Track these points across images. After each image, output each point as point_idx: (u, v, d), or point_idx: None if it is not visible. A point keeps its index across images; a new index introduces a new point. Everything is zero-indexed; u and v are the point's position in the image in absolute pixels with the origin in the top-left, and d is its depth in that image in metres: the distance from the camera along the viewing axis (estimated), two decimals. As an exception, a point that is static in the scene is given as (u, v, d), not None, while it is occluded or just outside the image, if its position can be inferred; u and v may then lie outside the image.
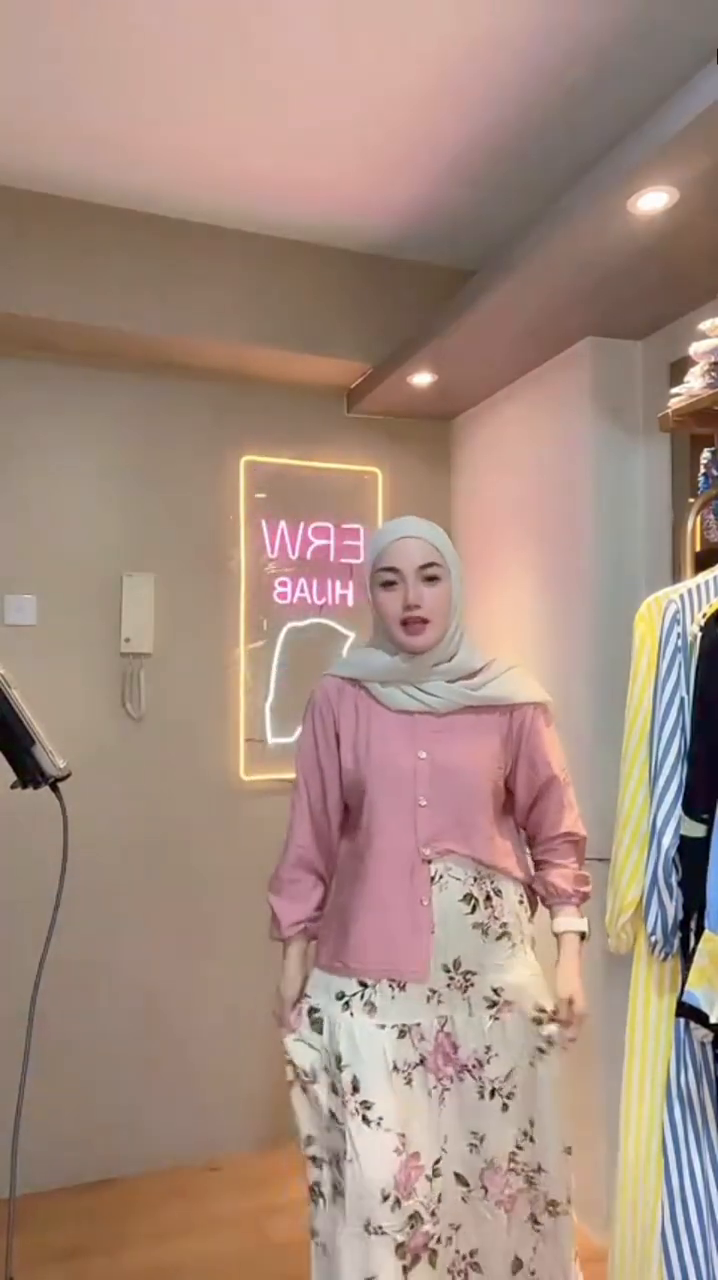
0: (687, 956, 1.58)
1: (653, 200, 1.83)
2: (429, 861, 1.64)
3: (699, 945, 1.51)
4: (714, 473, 2.00)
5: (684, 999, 1.51)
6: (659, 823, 1.64)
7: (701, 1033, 1.54)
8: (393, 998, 1.63)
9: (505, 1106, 1.65)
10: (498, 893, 1.68)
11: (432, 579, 1.68)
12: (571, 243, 2.02)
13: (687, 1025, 1.58)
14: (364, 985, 1.64)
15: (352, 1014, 1.63)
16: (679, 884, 1.62)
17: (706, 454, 2.03)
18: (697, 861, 1.57)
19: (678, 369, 2.26)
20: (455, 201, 2.63)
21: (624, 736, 1.73)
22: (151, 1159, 2.78)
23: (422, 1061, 1.62)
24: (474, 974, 1.65)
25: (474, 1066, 1.64)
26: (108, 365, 2.87)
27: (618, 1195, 1.69)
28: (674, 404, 2.00)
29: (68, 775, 1.39)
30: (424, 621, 1.66)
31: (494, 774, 1.71)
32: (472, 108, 2.21)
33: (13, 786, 1.38)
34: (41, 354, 2.80)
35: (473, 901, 1.66)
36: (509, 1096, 1.65)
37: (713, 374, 1.93)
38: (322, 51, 2.03)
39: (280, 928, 1.76)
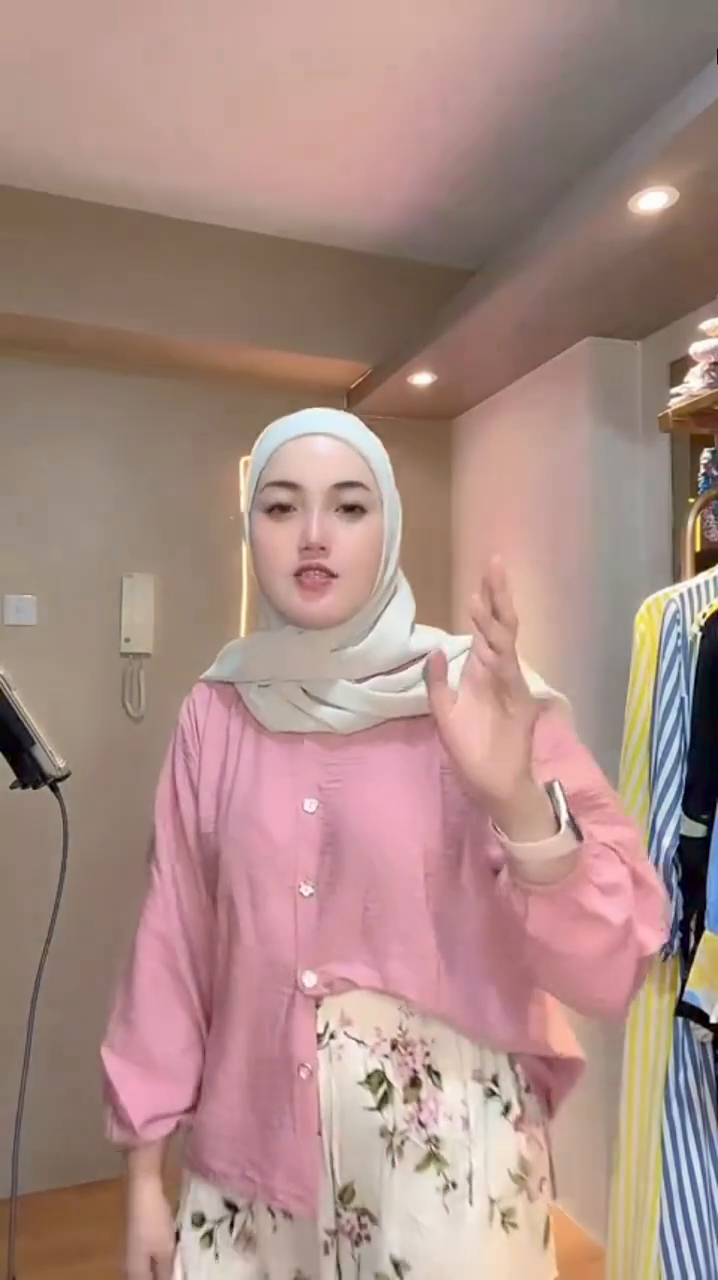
0: (687, 956, 1.58)
1: (653, 200, 1.83)
2: (318, 1001, 0.94)
3: (699, 945, 1.52)
4: (714, 473, 2.00)
5: (684, 998, 1.52)
6: (659, 823, 1.64)
7: (701, 1032, 1.55)
8: (275, 1229, 0.96)
9: None
10: (436, 1074, 0.91)
11: (353, 509, 0.97)
12: (570, 243, 2.02)
13: (687, 1025, 1.58)
14: (232, 1208, 0.99)
15: (215, 1254, 0.98)
16: (679, 884, 1.62)
17: (706, 454, 2.03)
18: (697, 861, 1.57)
19: (678, 369, 2.26)
20: (455, 201, 2.63)
21: (624, 736, 1.74)
22: (152, 1159, 2.78)
23: None
24: (372, 1218, 0.91)
25: None
26: (108, 365, 2.86)
27: (615, 1195, 1.70)
28: (674, 404, 2.01)
29: (68, 775, 1.39)
30: (333, 575, 0.95)
31: (435, 838, 0.93)
32: (472, 108, 2.21)
33: (12, 786, 1.38)
34: (41, 354, 2.79)
35: (382, 1085, 0.91)
36: None
37: (713, 374, 1.93)
38: (322, 51, 2.03)
39: (129, 1124, 1.06)
